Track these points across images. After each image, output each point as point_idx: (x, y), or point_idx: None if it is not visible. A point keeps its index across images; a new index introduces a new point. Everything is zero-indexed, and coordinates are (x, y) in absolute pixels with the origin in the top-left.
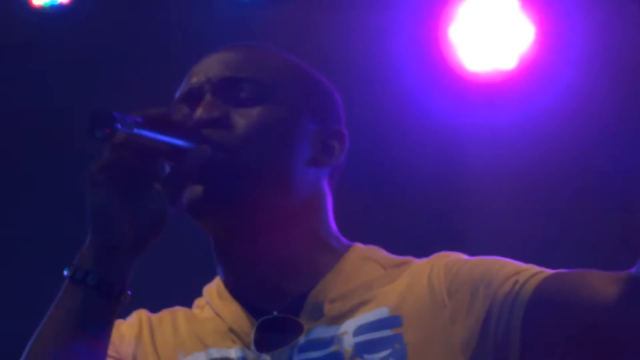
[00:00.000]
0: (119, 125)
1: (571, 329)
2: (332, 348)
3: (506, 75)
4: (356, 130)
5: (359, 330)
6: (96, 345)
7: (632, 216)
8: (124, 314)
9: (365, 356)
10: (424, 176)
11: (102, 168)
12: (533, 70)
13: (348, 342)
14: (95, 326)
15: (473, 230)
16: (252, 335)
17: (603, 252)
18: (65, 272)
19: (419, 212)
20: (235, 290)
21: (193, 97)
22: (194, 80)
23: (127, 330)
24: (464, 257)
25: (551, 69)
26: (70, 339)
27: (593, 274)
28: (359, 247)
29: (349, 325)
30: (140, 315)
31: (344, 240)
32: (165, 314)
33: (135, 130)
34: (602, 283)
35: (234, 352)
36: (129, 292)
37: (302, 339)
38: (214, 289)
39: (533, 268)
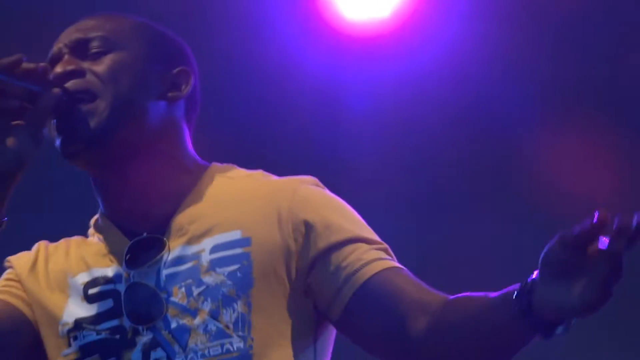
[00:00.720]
0: None
1: (378, 333)
2: (192, 263)
3: (382, 23)
4: (230, 84)
5: (214, 249)
6: None
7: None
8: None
9: (218, 270)
10: (302, 121)
11: None
12: (409, 18)
13: (205, 259)
14: None
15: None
16: (124, 255)
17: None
18: None
19: (297, 161)
20: (112, 217)
21: (54, 63)
22: (54, 49)
23: (25, 257)
24: (317, 190)
25: (428, 16)
26: None
27: (420, 294)
28: (215, 166)
29: (207, 244)
30: (39, 245)
31: (201, 161)
32: (62, 242)
33: None
34: (421, 310)
35: (110, 270)
36: (5, 219)
37: (166, 256)
38: (97, 218)
39: (373, 251)
